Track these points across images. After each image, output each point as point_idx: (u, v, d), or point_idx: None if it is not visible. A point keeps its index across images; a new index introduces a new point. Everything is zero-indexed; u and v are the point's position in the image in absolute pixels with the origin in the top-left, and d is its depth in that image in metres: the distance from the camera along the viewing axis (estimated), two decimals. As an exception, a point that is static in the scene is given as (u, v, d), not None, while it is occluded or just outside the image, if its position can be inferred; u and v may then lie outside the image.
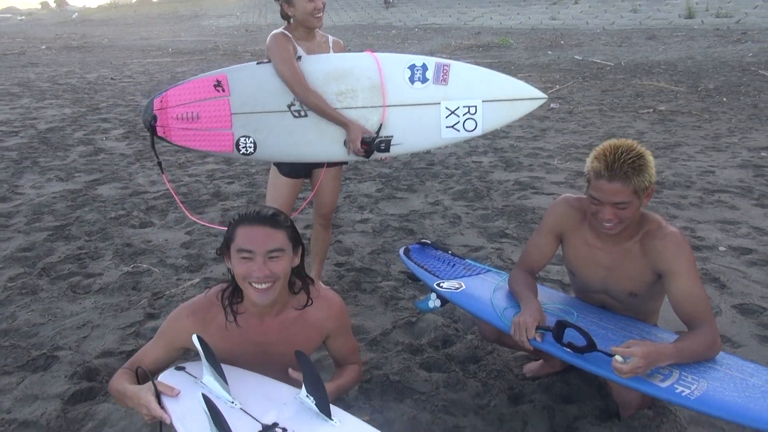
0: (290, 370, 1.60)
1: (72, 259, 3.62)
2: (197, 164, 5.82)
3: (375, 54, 2.69)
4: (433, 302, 2.26)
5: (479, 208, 4.47)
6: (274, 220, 1.61)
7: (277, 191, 2.83)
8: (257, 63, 2.69)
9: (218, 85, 2.66)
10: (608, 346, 1.77)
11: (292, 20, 2.64)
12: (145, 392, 1.50)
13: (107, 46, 27.12)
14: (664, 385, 1.63)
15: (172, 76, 13.85)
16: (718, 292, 3.11)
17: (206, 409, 1.29)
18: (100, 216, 4.35)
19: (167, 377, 1.61)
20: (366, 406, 2.25)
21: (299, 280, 1.73)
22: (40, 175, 5.44)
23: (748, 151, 5.88)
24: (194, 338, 1.53)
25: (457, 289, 2.16)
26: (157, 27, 48.93)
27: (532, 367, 2.43)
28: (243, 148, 2.70)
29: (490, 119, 2.64)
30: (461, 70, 2.65)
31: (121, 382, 1.62)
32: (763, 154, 5.75)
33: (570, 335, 1.77)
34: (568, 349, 1.75)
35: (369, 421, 2.09)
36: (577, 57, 15.32)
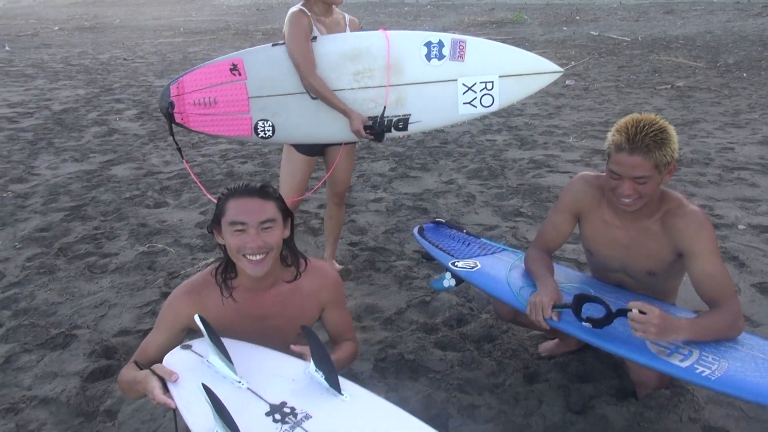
0: (292, 346, 1.59)
1: (88, 239, 3.65)
2: (210, 144, 5.82)
3: (387, 32, 2.65)
4: (448, 281, 2.25)
5: (493, 186, 4.43)
6: (264, 191, 1.63)
7: (292, 169, 2.82)
8: (273, 45, 2.66)
9: (234, 68, 2.63)
10: (627, 325, 1.75)
11: None
12: (150, 378, 1.49)
13: (119, 26, 27.08)
14: (684, 365, 1.61)
15: (184, 56, 13.82)
16: (737, 271, 3.07)
17: (208, 400, 1.28)
18: (115, 196, 4.37)
19: (174, 356, 1.60)
20: (381, 385, 2.26)
21: (290, 252, 1.73)
22: (55, 156, 5.48)
23: (769, 127, 5.76)
24: (196, 318, 1.53)
25: (473, 268, 2.14)
26: (168, 7, 48.69)
27: (547, 346, 2.42)
28: (261, 131, 2.68)
29: (507, 94, 2.61)
30: (477, 46, 2.61)
31: (128, 373, 1.61)
32: (784, 130, 5.63)
33: (587, 311, 1.75)
34: (588, 324, 1.73)
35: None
36: (593, 32, 15.03)
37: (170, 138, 2.85)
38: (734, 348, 1.71)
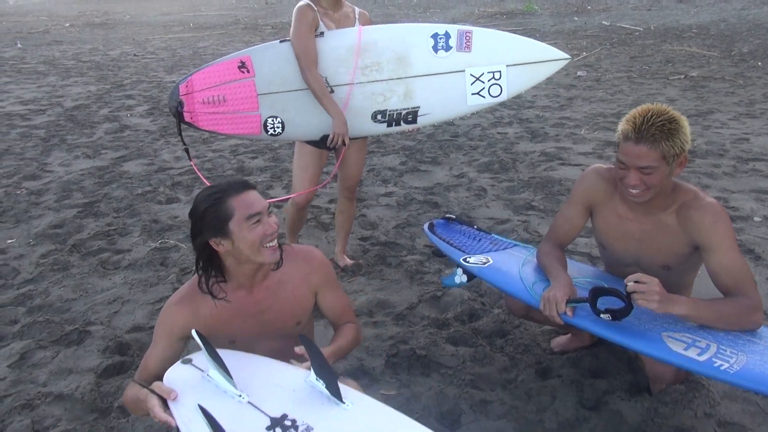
0: (296, 348, 1.57)
1: (101, 235, 3.68)
2: (221, 140, 5.83)
3: (362, 28, 2.65)
4: (460, 278, 2.24)
5: (505, 180, 4.40)
6: (248, 183, 1.65)
7: (303, 163, 2.81)
8: (280, 41, 2.66)
9: (242, 66, 2.64)
10: (641, 317, 1.74)
11: None
12: (150, 397, 1.48)
13: (129, 22, 27.18)
14: (702, 358, 1.59)
15: (194, 51, 13.84)
16: (753, 264, 3.03)
17: (206, 421, 1.26)
18: (128, 192, 4.40)
19: (175, 372, 1.58)
20: (393, 381, 2.26)
21: None
22: (67, 153, 5.51)
23: (785, 117, 5.67)
24: (193, 333, 1.51)
25: (485, 263, 2.12)
26: (177, 2, 48.78)
27: (560, 341, 2.40)
28: (271, 128, 2.68)
29: (514, 83, 2.61)
30: (484, 36, 2.60)
31: (131, 392, 1.60)
32: (801, 120, 5.54)
33: (603, 304, 1.73)
34: (607, 316, 1.71)
35: (396, 396, 2.11)
36: (605, 22, 14.86)
37: (179, 137, 2.86)
38: (752, 341, 1.69)
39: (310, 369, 1.49)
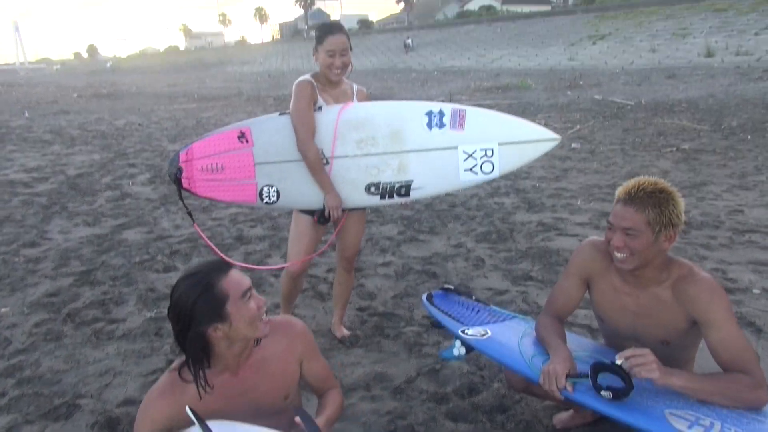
0: (296, 418, 1.54)
1: (96, 304, 3.64)
2: (221, 208, 5.89)
3: (345, 106, 2.73)
4: (458, 350, 2.21)
5: (503, 250, 4.42)
6: (227, 261, 1.66)
7: (299, 232, 2.83)
8: (280, 114, 2.76)
9: (242, 136, 2.72)
10: (643, 394, 1.71)
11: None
12: None
13: (136, 93, 28.05)
14: (706, 439, 1.55)
15: (197, 121, 14.20)
16: (754, 337, 2.99)
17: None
18: (125, 261, 4.39)
19: None
20: (390, 459, 2.18)
21: None
22: (68, 220, 5.55)
23: (777, 189, 5.77)
24: (188, 410, 1.47)
25: (483, 336, 2.10)
26: (183, 74, 50.61)
27: (562, 417, 2.34)
28: (266, 197, 2.73)
29: (506, 161, 2.67)
30: (477, 115, 2.69)
31: None
32: (793, 192, 5.62)
33: (604, 380, 1.70)
34: (607, 393, 1.68)
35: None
36: (597, 97, 15.36)
37: (181, 202, 2.91)
38: (757, 420, 1.65)
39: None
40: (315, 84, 2.71)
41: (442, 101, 16.20)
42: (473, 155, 2.65)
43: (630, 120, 10.98)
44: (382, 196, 2.71)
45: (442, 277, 3.93)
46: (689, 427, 1.59)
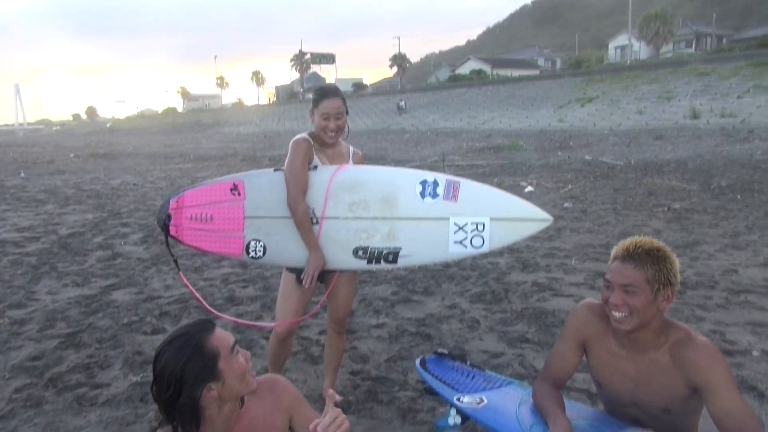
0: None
1: (80, 368, 3.53)
2: (213, 268, 5.83)
3: (340, 167, 2.74)
4: (453, 419, 2.13)
5: (498, 311, 4.36)
6: (210, 319, 1.65)
7: (287, 292, 2.79)
8: (275, 170, 2.77)
9: (235, 189, 2.73)
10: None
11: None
12: None
13: (132, 153, 28.37)
14: None
15: (192, 180, 14.29)
16: (757, 402, 2.92)
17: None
18: (113, 322, 4.30)
19: None
20: None
21: None
22: (57, 281, 5.47)
23: (769, 248, 5.78)
24: None
25: (479, 404, 2.03)
26: (180, 135, 51.42)
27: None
28: (253, 251, 2.71)
29: (497, 237, 2.64)
30: (471, 188, 2.69)
31: None
32: (785, 251, 5.64)
33: None
34: None
35: None
36: (587, 157, 15.63)
37: (173, 262, 2.88)
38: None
39: None
40: (312, 143, 2.73)
41: (435, 161, 16.45)
42: (464, 228, 2.63)
43: (620, 180, 11.14)
44: (369, 261, 2.68)
45: (436, 339, 3.85)
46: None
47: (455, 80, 54.07)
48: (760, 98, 22.88)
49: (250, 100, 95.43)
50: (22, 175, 17.07)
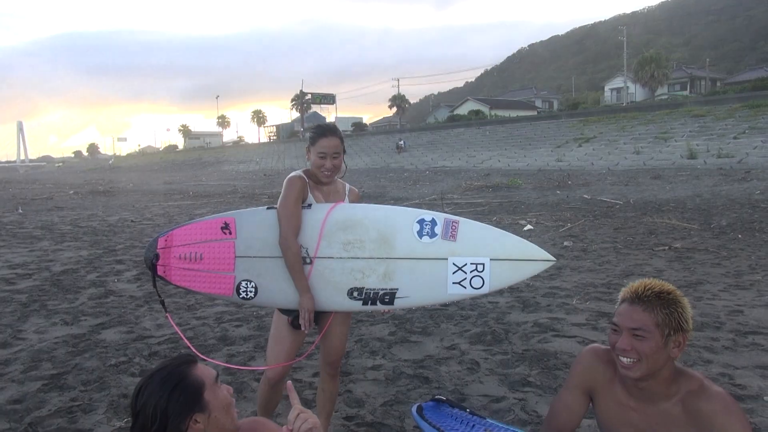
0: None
1: (63, 412, 3.38)
2: (206, 306, 5.70)
3: (334, 205, 2.66)
4: (453, 470, 2.00)
5: (498, 352, 4.22)
6: (190, 354, 1.62)
7: (278, 334, 2.67)
8: (267, 208, 2.69)
9: (225, 227, 2.64)
10: None
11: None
12: None
13: (132, 190, 28.43)
14: None
15: (190, 217, 14.23)
16: (772, 452, 2.77)
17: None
18: (100, 363, 4.15)
19: None
20: None
21: None
22: (45, 319, 5.33)
23: (774, 289, 5.67)
24: None
25: (480, 454, 1.91)
26: (181, 172, 51.72)
27: None
28: (244, 292, 2.61)
29: (497, 278, 2.54)
30: (470, 228, 2.60)
31: None
32: (791, 292, 5.53)
33: None
34: None
35: None
36: (586, 196, 15.64)
37: (160, 303, 2.78)
38: None
39: None
40: (307, 180, 2.66)
41: (434, 199, 16.44)
42: (463, 268, 2.54)
43: (620, 219, 11.09)
44: (365, 302, 2.57)
45: (434, 383, 3.71)
46: None
47: (454, 120, 54.72)
48: (755, 139, 23.08)
49: (250, 139, 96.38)
50: (20, 211, 17.02)
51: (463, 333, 4.71)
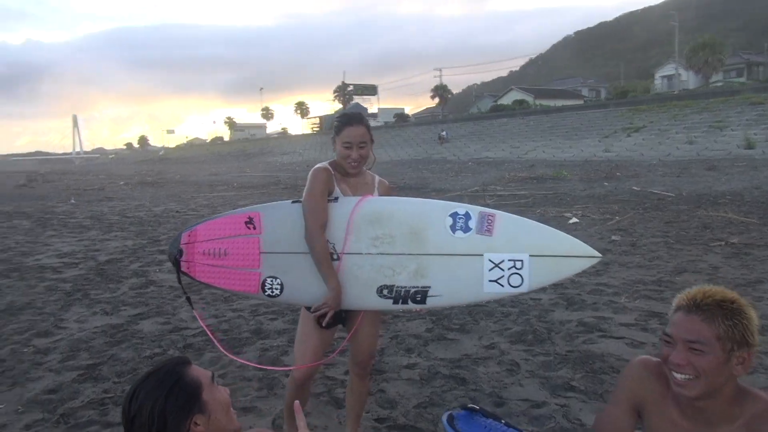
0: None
1: (95, 404, 3.37)
2: (243, 298, 5.67)
3: (363, 198, 2.52)
4: (486, 487, 1.85)
5: (539, 353, 4.02)
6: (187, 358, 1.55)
7: (305, 333, 2.56)
8: (293, 201, 2.57)
9: (250, 222, 2.53)
10: None
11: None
12: None
13: (179, 181, 29.09)
14: None
15: (232, 207, 14.38)
16: None
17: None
18: (135, 354, 4.16)
19: None
20: None
21: None
22: (87, 308, 5.41)
23: (844, 289, 5.25)
24: None
25: (515, 472, 1.75)
26: (226, 164, 52.66)
27: None
28: (269, 289, 2.50)
29: (537, 275, 2.35)
30: (508, 222, 2.42)
31: None
32: None
33: None
34: None
35: None
36: (635, 188, 15.05)
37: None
38: None
39: None
40: (333, 172, 2.53)
41: (476, 191, 16.15)
42: (500, 265, 2.36)
43: (672, 212, 10.59)
44: (395, 301, 2.42)
45: (471, 384, 3.55)
46: None
47: (497, 110, 53.79)
48: (820, 127, 21.78)
49: (294, 131, 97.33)
50: (73, 201, 17.62)
51: (503, 331, 4.52)
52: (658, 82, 61.88)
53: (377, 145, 2.72)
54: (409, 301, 2.41)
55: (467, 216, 2.40)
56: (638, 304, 5.09)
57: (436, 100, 74.87)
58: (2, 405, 3.37)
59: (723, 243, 7.54)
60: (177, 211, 14.16)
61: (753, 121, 25.55)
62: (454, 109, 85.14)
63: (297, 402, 1.51)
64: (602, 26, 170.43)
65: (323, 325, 2.44)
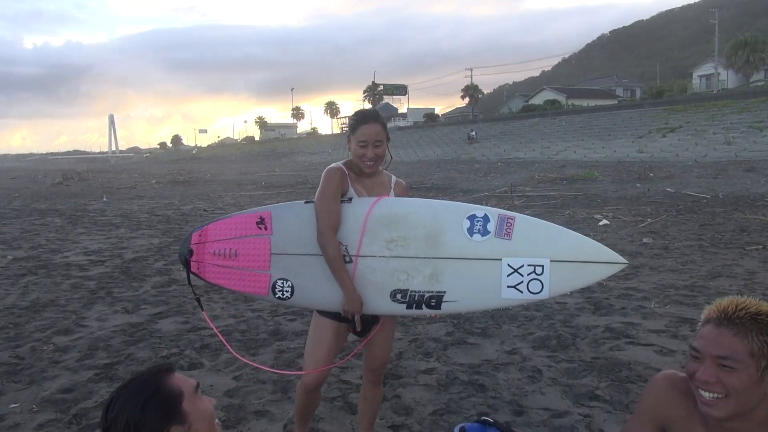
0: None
1: (109, 404, 3.35)
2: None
3: (378, 199, 2.43)
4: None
5: (563, 359, 3.86)
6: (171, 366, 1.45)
7: (317, 337, 2.48)
8: (305, 202, 2.50)
9: (261, 222, 2.47)
10: None
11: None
12: None
13: (209, 180, 29.46)
14: None
15: (258, 206, 14.46)
16: None
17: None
18: (152, 354, 4.15)
19: None
20: None
21: None
22: (109, 307, 5.44)
23: None
24: None
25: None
26: (256, 163, 53.22)
27: None
28: (279, 291, 2.44)
29: (558, 282, 2.23)
30: (528, 225, 2.31)
31: None
32: None
33: None
34: None
35: None
36: (669, 189, 14.62)
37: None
38: None
39: None
40: (347, 172, 2.45)
41: (505, 191, 15.90)
42: (519, 270, 2.25)
43: (707, 214, 10.23)
44: (409, 306, 2.33)
45: (491, 391, 3.42)
46: None
47: (528, 110, 53.11)
48: None
49: (324, 130, 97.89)
50: (104, 199, 17.96)
51: (526, 336, 4.37)
52: (696, 82, 60.25)
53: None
54: (424, 307, 2.31)
55: (485, 219, 2.29)
56: (669, 310, 4.88)
57: (467, 100, 74.32)
58: (17, 404, 3.37)
59: (761, 247, 7.22)
60: (204, 210, 14.29)
61: (795, 120, 24.65)
62: (485, 109, 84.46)
63: None
64: (638, 25, 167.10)
65: (357, 330, 2.39)
